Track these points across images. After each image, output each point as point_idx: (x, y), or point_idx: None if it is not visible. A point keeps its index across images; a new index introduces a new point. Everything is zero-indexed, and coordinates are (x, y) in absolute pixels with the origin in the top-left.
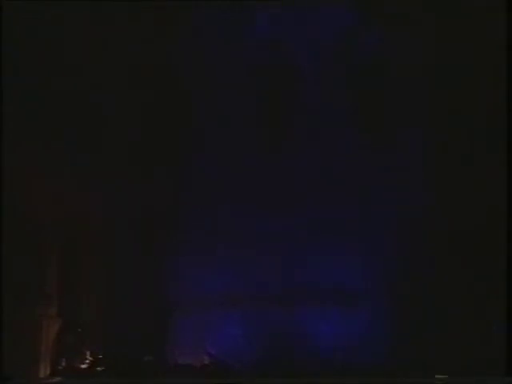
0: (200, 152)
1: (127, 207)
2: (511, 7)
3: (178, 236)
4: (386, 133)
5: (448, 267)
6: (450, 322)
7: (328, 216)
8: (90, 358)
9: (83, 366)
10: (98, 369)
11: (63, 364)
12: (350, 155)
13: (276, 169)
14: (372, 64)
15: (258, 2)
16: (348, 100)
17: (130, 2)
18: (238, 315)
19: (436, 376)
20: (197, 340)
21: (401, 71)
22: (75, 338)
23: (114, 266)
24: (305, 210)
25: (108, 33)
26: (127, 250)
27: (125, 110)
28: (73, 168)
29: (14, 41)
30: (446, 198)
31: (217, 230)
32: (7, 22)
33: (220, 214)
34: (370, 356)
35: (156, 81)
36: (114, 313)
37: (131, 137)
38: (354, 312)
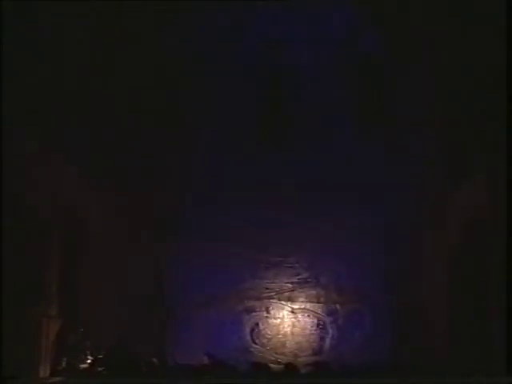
0: None
1: None
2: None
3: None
4: None
5: None
6: None
7: None
8: (91, 358)
9: (84, 366)
10: (99, 369)
11: (64, 364)
12: None
13: None
14: None
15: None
16: None
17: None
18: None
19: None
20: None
21: None
22: (76, 337)
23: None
24: None
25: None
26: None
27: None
28: None
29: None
30: None
31: None
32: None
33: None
34: None
35: None
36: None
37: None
38: None
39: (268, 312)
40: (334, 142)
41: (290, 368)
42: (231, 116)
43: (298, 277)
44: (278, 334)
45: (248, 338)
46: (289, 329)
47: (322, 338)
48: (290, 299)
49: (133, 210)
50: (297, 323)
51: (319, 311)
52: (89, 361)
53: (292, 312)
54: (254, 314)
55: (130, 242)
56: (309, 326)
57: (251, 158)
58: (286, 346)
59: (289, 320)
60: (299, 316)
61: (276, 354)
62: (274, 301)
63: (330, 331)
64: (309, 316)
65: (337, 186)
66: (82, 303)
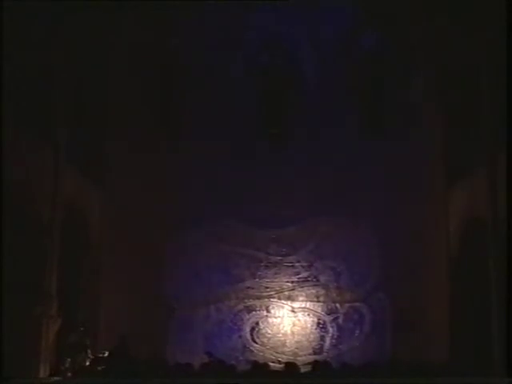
0: None
1: None
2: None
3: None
4: None
5: None
6: None
7: None
8: (91, 357)
9: (84, 365)
10: (99, 368)
11: (65, 363)
12: None
13: None
14: None
15: None
16: None
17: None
18: None
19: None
20: None
21: None
22: (76, 336)
23: None
24: None
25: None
26: None
27: None
28: None
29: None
30: None
31: None
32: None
33: None
34: None
35: None
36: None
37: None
38: None
39: (268, 311)
40: (335, 142)
41: (290, 367)
42: (231, 115)
43: (298, 276)
44: (278, 333)
45: (248, 337)
46: (289, 328)
47: (322, 337)
48: (290, 298)
49: (133, 210)
50: (297, 322)
51: (319, 310)
52: (89, 360)
53: (292, 311)
54: (254, 313)
55: (131, 242)
56: (309, 325)
57: (251, 158)
58: (286, 345)
59: (289, 319)
60: (299, 315)
61: (276, 353)
62: (274, 300)
63: (330, 330)
64: (309, 315)
65: (337, 185)
66: (81, 303)
